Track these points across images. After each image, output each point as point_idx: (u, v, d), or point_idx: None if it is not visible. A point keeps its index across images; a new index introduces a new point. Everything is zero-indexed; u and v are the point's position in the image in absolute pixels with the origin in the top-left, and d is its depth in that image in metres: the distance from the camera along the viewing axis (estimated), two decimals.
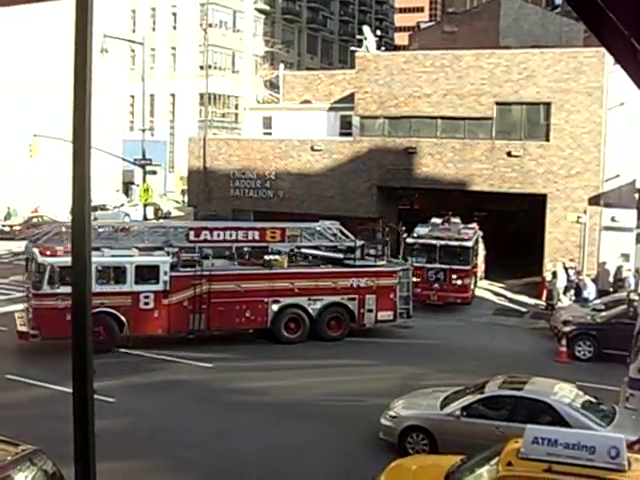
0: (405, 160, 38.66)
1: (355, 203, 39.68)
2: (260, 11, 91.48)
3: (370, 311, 27.64)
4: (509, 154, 36.25)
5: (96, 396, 2.75)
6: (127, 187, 71.50)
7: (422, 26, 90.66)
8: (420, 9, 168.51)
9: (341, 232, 29.28)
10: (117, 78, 64.26)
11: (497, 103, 36.76)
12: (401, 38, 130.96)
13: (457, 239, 32.90)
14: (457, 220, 35.34)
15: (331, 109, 44.80)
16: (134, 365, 23.75)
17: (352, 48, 64.53)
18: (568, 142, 35.18)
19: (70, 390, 2.80)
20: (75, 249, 2.72)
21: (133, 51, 73.30)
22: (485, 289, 37.17)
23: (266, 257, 27.12)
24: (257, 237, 27.56)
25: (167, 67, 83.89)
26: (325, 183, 40.64)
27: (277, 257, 27.26)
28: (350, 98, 42.35)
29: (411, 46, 77.30)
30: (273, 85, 70.15)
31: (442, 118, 38.19)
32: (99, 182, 51.43)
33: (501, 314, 32.80)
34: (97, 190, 50.53)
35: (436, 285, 32.57)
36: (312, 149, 41.19)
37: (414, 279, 29.99)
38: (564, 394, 16.23)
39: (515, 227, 46.43)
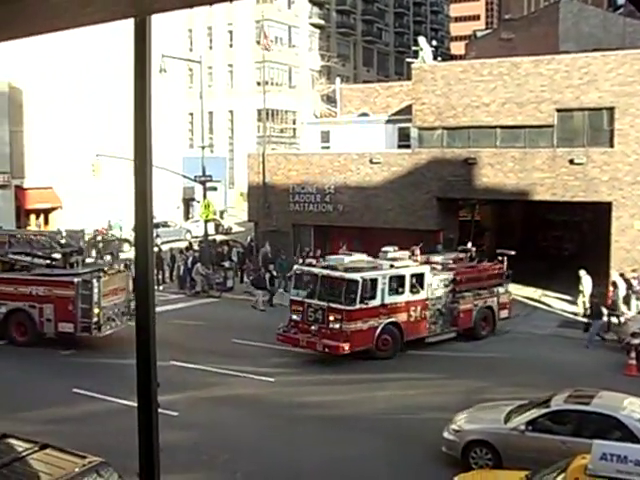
0: (465, 171, 38.30)
1: (415, 216, 39.42)
2: (315, 26, 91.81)
3: (49, 320, 27.48)
4: (571, 162, 35.57)
5: (160, 410, 2.77)
6: (188, 204, 72.23)
7: (478, 34, 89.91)
8: (476, 17, 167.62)
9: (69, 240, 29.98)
10: (176, 96, 65.04)
11: (558, 110, 36.15)
12: (457, 47, 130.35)
13: (347, 269, 26.44)
14: (406, 253, 29.88)
15: (389, 121, 44.71)
16: (197, 379, 23.97)
17: (408, 59, 64.54)
18: (634, 148, 34.32)
19: (135, 404, 2.82)
20: (138, 266, 2.76)
21: (191, 70, 74.18)
22: (545, 301, 36.66)
23: None
24: None
25: (225, 84, 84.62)
26: (384, 196, 40.45)
27: None
28: (407, 110, 42.18)
29: (468, 55, 76.79)
30: (330, 99, 70.26)
31: (501, 127, 37.74)
32: (161, 199, 52.06)
33: (566, 326, 32.24)
34: (159, 207, 51.10)
35: (314, 327, 26.28)
36: (371, 162, 41.06)
37: (294, 316, 27.16)
38: (634, 409, 15.84)
39: (579, 236, 45.83)
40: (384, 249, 29.90)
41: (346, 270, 26.39)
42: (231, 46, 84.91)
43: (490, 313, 30.58)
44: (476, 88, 38.00)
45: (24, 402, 21.09)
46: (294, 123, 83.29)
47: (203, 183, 43.63)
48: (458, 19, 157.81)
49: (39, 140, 56.00)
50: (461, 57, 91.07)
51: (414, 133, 40.28)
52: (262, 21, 57.16)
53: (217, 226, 61.58)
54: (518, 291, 36.70)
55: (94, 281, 27.33)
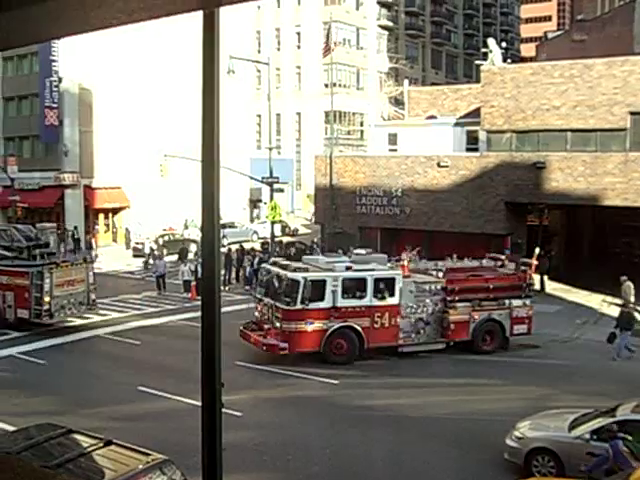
0: (533, 175, 37.85)
1: (483, 220, 39.09)
2: (383, 27, 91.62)
3: (10, 307, 30.09)
4: None
5: (224, 410, 2.78)
6: (255, 205, 72.72)
7: (550, 36, 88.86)
8: (547, 18, 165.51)
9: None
10: (244, 98, 65.52)
11: (632, 113, 35.48)
12: (528, 49, 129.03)
13: (296, 269, 26.20)
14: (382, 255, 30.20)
15: (457, 124, 44.43)
16: (261, 380, 24.11)
17: (477, 62, 64.03)
18: None
19: (199, 403, 2.84)
20: (205, 266, 2.79)
21: (259, 71, 74.64)
22: (613, 309, 35.91)
23: None
24: None
25: (292, 86, 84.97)
26: (452, 199, 40.21)
27: None
28: (476, 113, 41.89)
29: (538, 57, 76.05)
30: (398, 101, 70.11)
31: (572, 131, 37.22)
32: (228, 200, 52.51)
33: (635, 334, 31.49)
34: (226, 208, 51.59)
35: (266, 325, 26.22)
36: (438, 165, 40.85)
37: (255, 313, 27.51)
38: None
39: None
40: (355, 251, 29.69)
41: (294, 270, 26.00)
42: (299, 47, 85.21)
43: (497, 327, 28.14)
44: (546, 91, 37.54)
45: (90, 398, 21.49)
46: (361, 125, 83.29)
47: (270, 185, 43.82)
48: (529, 20, 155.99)
49: (108, 140, 56.95)
50: (531, 59, 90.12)
51: (482, 136, 39.97)
52: (330, 22, 57.14)
53: (284, 228, 61.87)
54: (586, 297, 36.16)
55: (45, 272, 29.65)
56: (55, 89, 56.32)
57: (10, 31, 2.94)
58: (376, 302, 26.25)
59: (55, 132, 57.01)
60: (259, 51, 79.91)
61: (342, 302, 25.80)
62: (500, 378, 24.71)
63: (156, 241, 51.59)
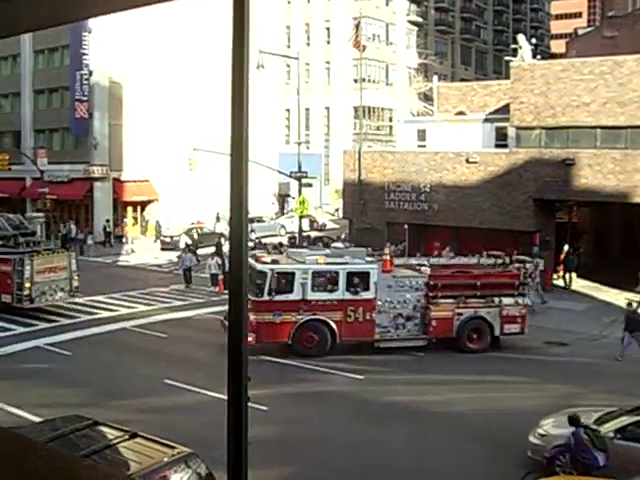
0: (562, 172, 37.56)
1: (511, 216, 38.85)
2: (413, 23, 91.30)
3: None
4: None
5: (250, 404, 2.78)
6: (283, 199, 72.76)
7: (580, 32, 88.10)
8: (578, 14, 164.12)
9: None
10: (273, 92, 65.59)
11: None
12: (558, 46, 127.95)
13: (264, 261, 26.65)
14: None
15: (486, 120, 44.22)
16: (286, 375, 24.19)
17: (507, 58, 63.57)
18: None
19: (225, 397, 2.84)
20: (233, 259, 2.79)
21: (288, 66, 74.69)
22: None
23: None
24: None
25: (321, 81, 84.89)
26: (480, 196, 39.99)
27: None
28: (505, 109, 41.65)
29: (568, 53, 75.31)
30: (427, 97, 69.92)
31: (602, 128, 36.90)
32: (256, 194, 52.56)
33: None
34: (254, 202, 51.70)
35: None
36: (467, 161, 40.64)
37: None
38: None
39: None
40: (333, 244, 29.42)
41: (263, 262, 26.12)
42: (328, 43, 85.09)
43: (485, 325, 27.43)
44: (576, 87, 37.24)
45: (116, 391, 21.63)
46: (390, 121, 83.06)
47: (299, 179, 43.84)
48: (559, 16, 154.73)
49: (137, 133, 57.23)
50: (561, 55, 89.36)
51: (512, 133, 39.74)
52: (360, 18, 57.06)
53: (312, 222, 61.86)
54: (616, 295, 35.86)
55: (26, 259, 30.97)
56: (85, 82, 56.64)
57: (20, 15, 2.95)
58: (349, 296, 26.13)
59: (85, 125, 57.36)
60: (289, 46, 79.90)
61: (312, 295, 25.83)
62: (527, 375, 24.56)
63: (191, 235, 51.60)
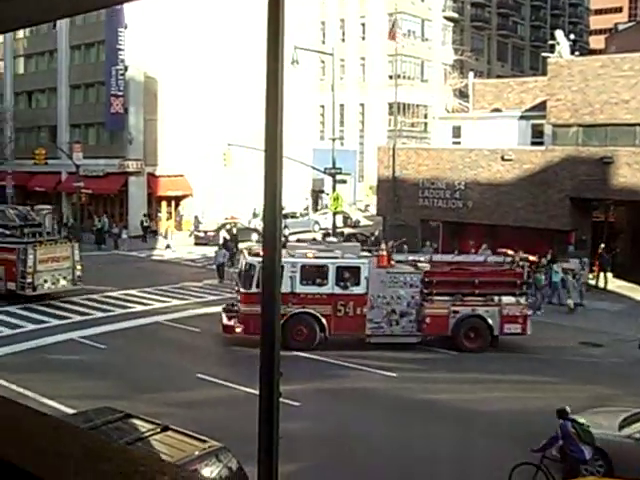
0: (600, 170, 37.14)
1: (547, 215, 38.51)
2: (449, 19, 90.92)
3: (1, 279, 33.03)
4: None
5: (282, 399, 2.73)
6: (317, 195, 72.78)
7: (620, 27, 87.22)
8: (618, 9, 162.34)
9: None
10: (308, 88, 65.56)
11: None
12: (597, 41, 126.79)
13: (255, 254, 26.53)
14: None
15: (522, 118, 43.83)
16: (319, 371, 24.13)
17: (544, 54, 63.13)
18: None
19: (257, 392, 2.80)
20: (267, 255, 2.75)
21: (323, 62, 74.63)
22: None
23: None
24: None
25: (356, 77, 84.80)
26: (515, 194, 39.68)
27: None
28: (542, 106, 41.28)
29: (608, 49, 74.64)
30: (462, 94, 69.53)
31: None
32: (290, 190, 52.61)
33: None
34: (287, 198, 51.80)
35: (236, 308, 27.37)
36: (502, 159, 40.34)
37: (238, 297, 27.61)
38: None
39: None
40: (328, 239, 29.27)
41: (256, 254, 26.01)
42: (363, 39, 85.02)
43: (483, 324, 26.64)
44: (615, 84, 36.80)
45: (149, 384, 21.71)
46: (425, 117, 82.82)
47: (333, 175, 43.80)
48: (598, 12, 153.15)
49: (172, 129, 57.46)
50: (600, 52, 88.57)
51: (548, 130, 39.38)
52: (395, 14, 56.97)
53: (345, 219, 61.81)
54: None
55: (29, 249, 32.49)
56: (121, 77, 57.02)
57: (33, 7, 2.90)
58: (339, 290, 26.08)
59: (120, 120, 57.71)
60: (323, 42, 79.85)
61: (301, 288, 25.86)
62: (563, 376, 24.31)
63: (230, 230, 51.66)
